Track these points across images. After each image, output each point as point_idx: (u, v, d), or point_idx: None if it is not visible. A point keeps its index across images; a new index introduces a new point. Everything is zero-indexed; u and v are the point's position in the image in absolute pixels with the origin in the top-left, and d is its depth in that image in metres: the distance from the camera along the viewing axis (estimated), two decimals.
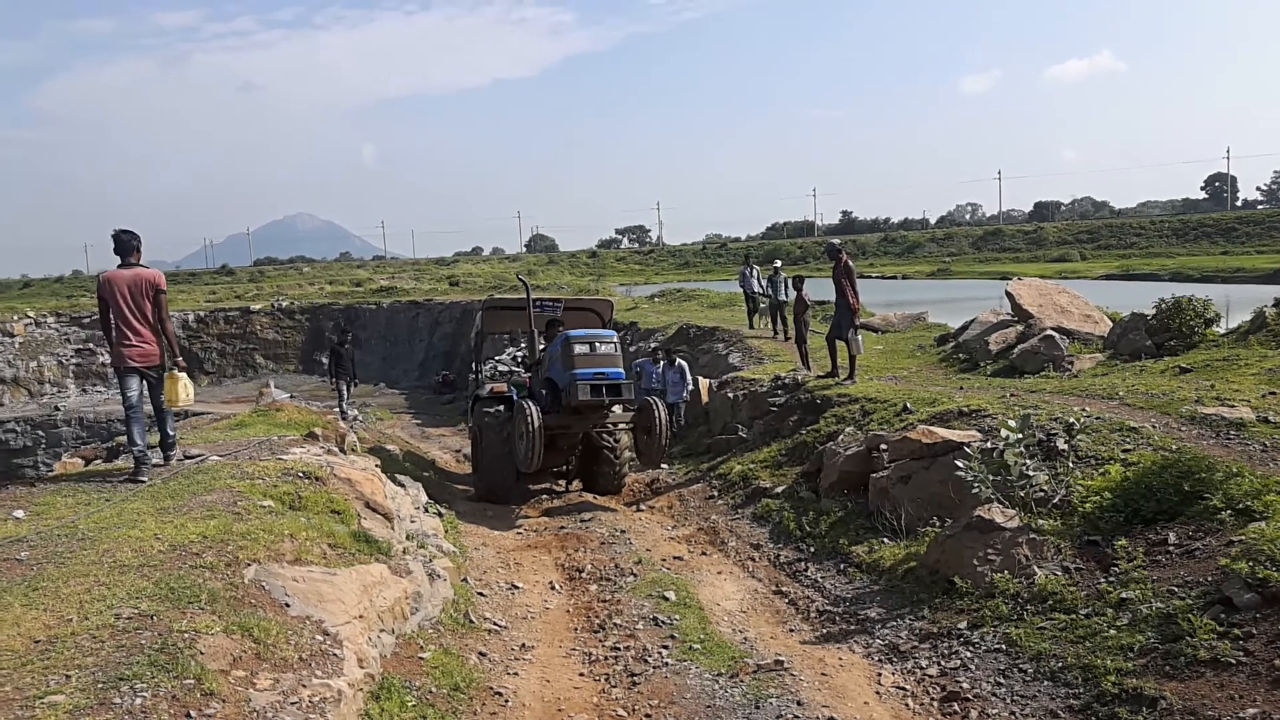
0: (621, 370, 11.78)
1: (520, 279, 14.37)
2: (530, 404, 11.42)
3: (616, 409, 11.98)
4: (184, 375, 7.75)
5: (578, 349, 11.59)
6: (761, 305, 21.33)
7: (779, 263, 21.18)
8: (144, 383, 7.63)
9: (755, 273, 21.62)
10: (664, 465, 13.19)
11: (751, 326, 21.05)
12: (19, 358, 35.42)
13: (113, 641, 3.99)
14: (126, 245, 7.61)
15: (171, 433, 8.07)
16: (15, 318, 36.56)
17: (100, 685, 3.58)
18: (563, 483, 13.52)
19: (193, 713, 3.54)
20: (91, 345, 36.92)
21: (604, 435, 12.32)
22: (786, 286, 18.23)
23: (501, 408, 12.41)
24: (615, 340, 12.08)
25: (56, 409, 31.73)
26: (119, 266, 7.60)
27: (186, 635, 4.11)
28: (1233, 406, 8.23)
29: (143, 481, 7.25)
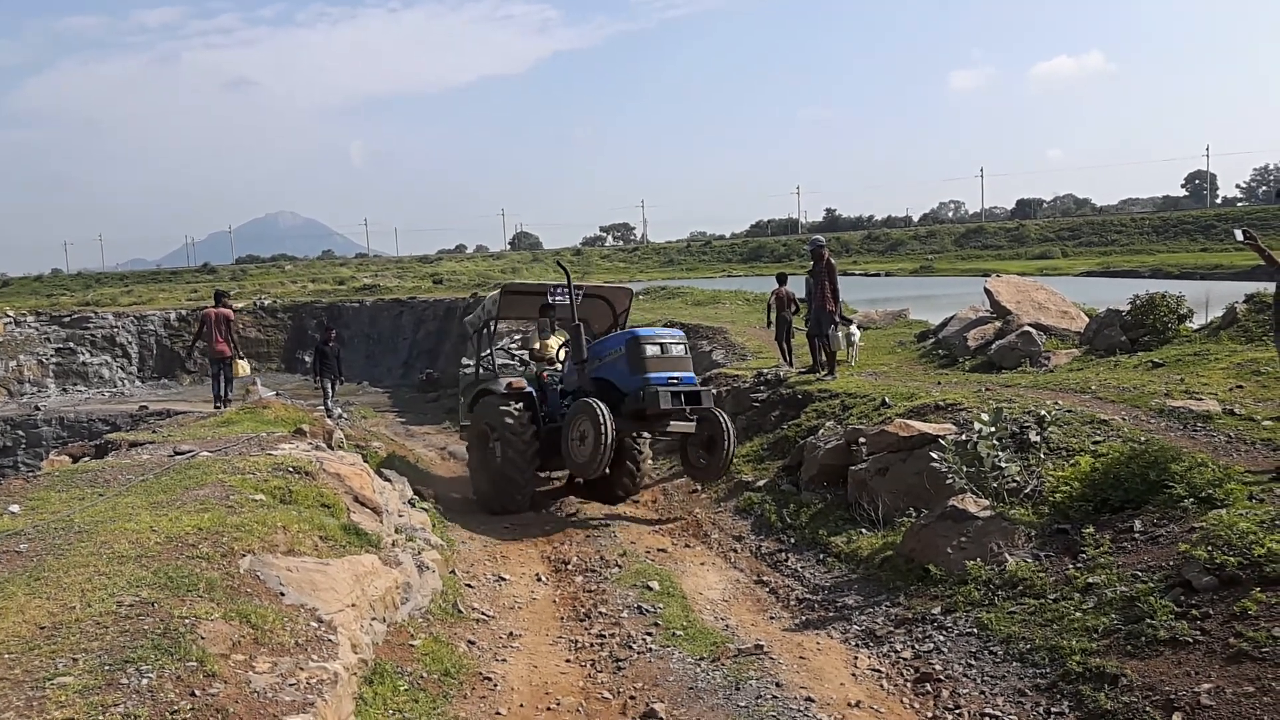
0: (695, 375, 10.88)
1: (560, 264, 13.71)
2: (602, 405, 10.04)
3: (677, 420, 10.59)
4: (243, 361, 15.07)
5: (649, 350, 10.46)
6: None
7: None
8: (223, 366, 14.50)
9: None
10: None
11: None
12: None
13: (116, 627, 4.13)
14: (220, 298, 15.32)
15: (231, 393, 14.82)
16: None
17: (108, 667, 3.72)
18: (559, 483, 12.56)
19: (197, 692, 3.69)
20: (72, 345, 36.68)
21: (634, 440, 11.48)
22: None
23: (521, 406, 11.10)
24: (685, 342, 11.11)
25: (37, 409, 31.54)
26: (212, 306, 14.89)
27: (187, 621, 4.26)
28: (1200, 399, 8.49)
29: (220, 412, 12.68)
